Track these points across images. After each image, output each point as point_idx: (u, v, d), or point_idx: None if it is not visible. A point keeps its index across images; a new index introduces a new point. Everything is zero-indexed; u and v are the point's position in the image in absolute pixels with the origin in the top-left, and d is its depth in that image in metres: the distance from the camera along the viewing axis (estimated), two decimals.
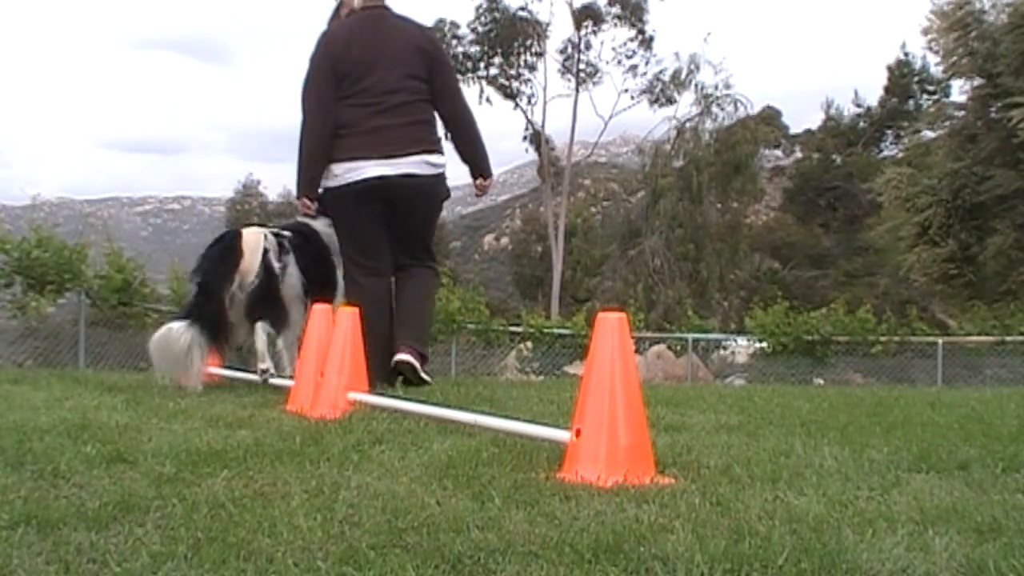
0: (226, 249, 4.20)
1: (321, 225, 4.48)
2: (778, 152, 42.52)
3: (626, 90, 33.10)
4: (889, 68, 36.93)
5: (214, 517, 1.61)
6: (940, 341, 13.34)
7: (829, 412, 3.77)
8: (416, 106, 4.19)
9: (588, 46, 33.00)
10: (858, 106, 39.08)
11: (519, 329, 13.97)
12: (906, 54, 36.17)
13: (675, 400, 4.13)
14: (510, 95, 32.89)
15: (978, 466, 2.24)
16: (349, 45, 4.17)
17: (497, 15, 32.09)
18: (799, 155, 40.94)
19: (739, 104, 32.89)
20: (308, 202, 4.33)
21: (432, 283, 4.59)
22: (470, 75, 32.00)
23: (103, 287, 9.24)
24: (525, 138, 33.92)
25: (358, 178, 4.10)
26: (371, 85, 4.11)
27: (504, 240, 57.51)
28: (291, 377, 3.89)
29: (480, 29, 32.17)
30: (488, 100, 32.26)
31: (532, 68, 32.92)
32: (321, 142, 4.14)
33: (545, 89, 33.14)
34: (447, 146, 4.39)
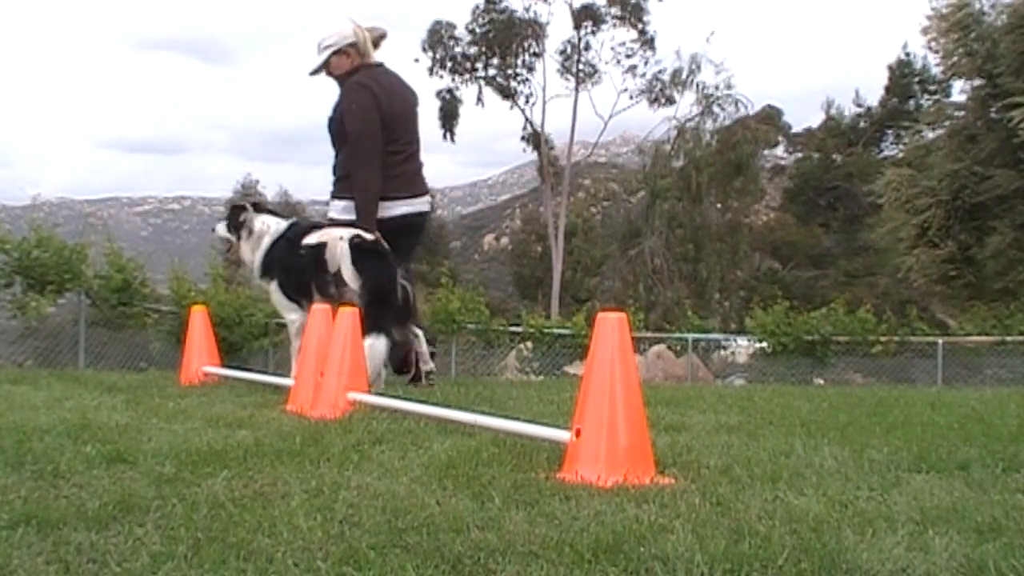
0: (386, 256, 4.28)
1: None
2: (778, 152, 42.47)
3: (625, 90, 33.12)
4: (890, 68, 36.84)
5: (214, 517, 1.61)
6: (940, 341, 13.32)
7: (829, 412, 3.77)
8: (418, 153, 4.92)
9: (587, 47, 33.00)
10: (858, 106, 38.99)
11: (519, 329, 13.96)
12: (907, 54, 36.06)
13: (675, 400, 4.13)
14: (508, 95, 32.84)
15: (978, 466, 2.24)
16: (391, 98, 4.72)
17: (494, 16, 32.06)
18: (799, 155, 40.87)
19: (740, 104, 32.92)
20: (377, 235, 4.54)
21: None
22: (468, 76, 32.03)
23: (103, 287, 9.23)
24: (524, 138, 33.92)
25: (392, 215, 4.66)
26: (400, 136, 4.75)
27: (504, 240, 57.50)
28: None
29: (478, 30, 32.14)
30: (482, 102, 32.33)
31: (531, 68, 32.91)
32: (378, 185, 4.65)
33: (544, 89, 33.15)
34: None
